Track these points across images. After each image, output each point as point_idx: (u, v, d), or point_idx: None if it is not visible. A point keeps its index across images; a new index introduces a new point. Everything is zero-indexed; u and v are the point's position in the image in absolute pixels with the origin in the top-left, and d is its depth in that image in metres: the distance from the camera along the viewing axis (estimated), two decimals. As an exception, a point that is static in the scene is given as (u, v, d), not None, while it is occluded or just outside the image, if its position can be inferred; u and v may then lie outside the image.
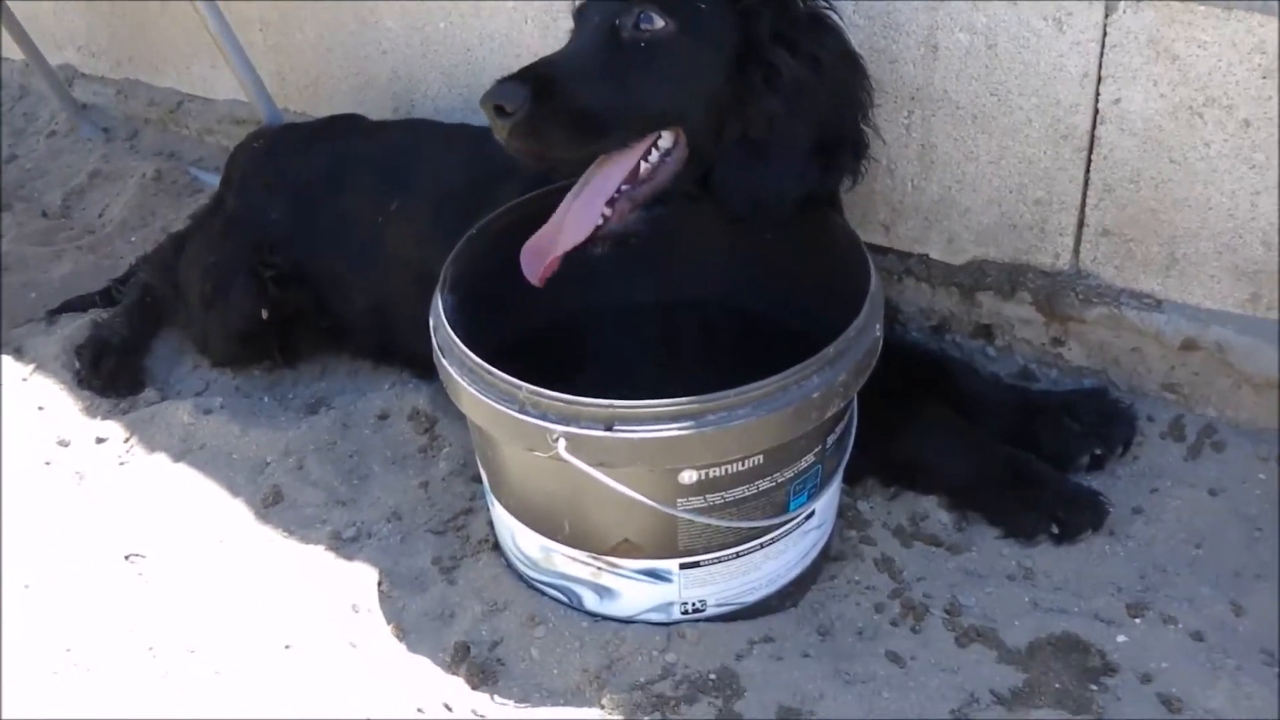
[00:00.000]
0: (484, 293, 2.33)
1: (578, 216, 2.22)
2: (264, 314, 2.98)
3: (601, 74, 2.18)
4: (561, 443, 1.89)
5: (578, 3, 2.33)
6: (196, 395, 3.08)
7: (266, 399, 3.08)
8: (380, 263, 2.90)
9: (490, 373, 1.98)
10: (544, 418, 1.92)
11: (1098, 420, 2.50)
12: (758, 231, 2.37)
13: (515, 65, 3.14)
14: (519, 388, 1.94)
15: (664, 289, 2.58)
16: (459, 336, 2.09)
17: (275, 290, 2.98)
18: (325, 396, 3.05)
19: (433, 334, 2.15)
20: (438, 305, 2.15)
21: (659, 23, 2.18)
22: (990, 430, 2.49)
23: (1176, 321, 2.51)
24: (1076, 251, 2.58)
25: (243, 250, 3.03)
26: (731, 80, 2.24)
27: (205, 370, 3.19)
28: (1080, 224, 2.55)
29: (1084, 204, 2.53)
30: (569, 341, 2.54)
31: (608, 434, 1.89)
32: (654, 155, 2.27)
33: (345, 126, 3.24)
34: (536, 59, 2.24)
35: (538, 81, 2.12)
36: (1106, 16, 2.34)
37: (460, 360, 2.04)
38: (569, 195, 2.25)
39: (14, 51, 4.60)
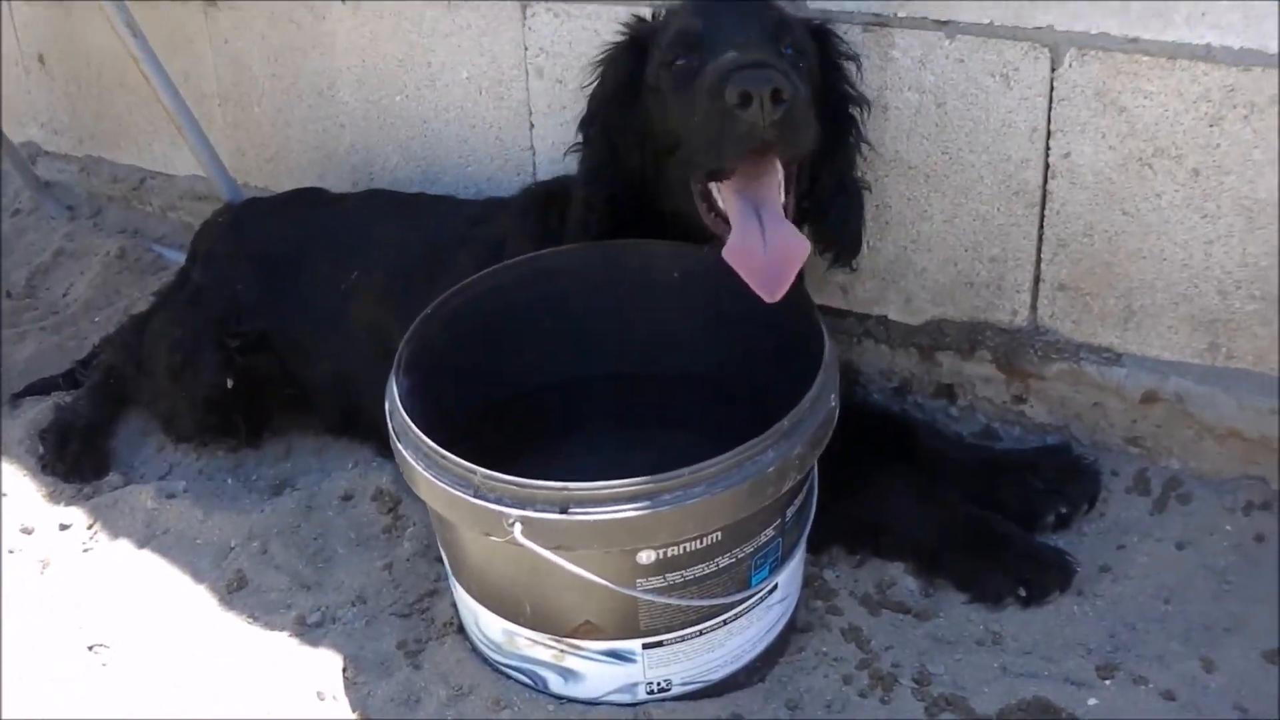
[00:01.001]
0: (446, 367, 2.31)
1: (784, 230, 2.15)
2: (229, 383, 2.98)
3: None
4: (517, 527, 1.86)
5: (691, 26, 2.26)
6: (160, 479, 3.04)
7: (230, 481, 3.04)
8: (342, 331, 2.91)
9: (444, 457, 1.94)
10: (499, 502, 1.88)
11: (1062, 478, 2.48)
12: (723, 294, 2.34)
13: (473, 136, 3.20)
14: (473, 472, 1.90)
15: (623, 358, 2.54)
16: (417, 414, 2.07)
17: (241, 359, 2.99)
18: (289, 477, 3.02)
19: (388, 418, 2.11)
20: (392, 389, 2.12)
21: (800, 52, 2.27)
22: (954, 491, 2.46)
23: (1136, 374, 2.50)
24: (1034, 307, 2.56)
25: (209, 322, 3.04)
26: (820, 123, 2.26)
27: (169, 452, 3.17)
28: (1036, 280, 2.54)
29: (1039, 259, 2.52)
30: (533, 414, 2.51)
31: (563, 517, 1.85)
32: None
33: (307, 199, 3.26)
34: (730, 57, 2.10)
35: (785, 74, 2.04)
36: (1053, 70, 2.34)
37: (415, 445, 2.01)
38: (740, 214, 2.17)
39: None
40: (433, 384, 2.26)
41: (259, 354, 3.01)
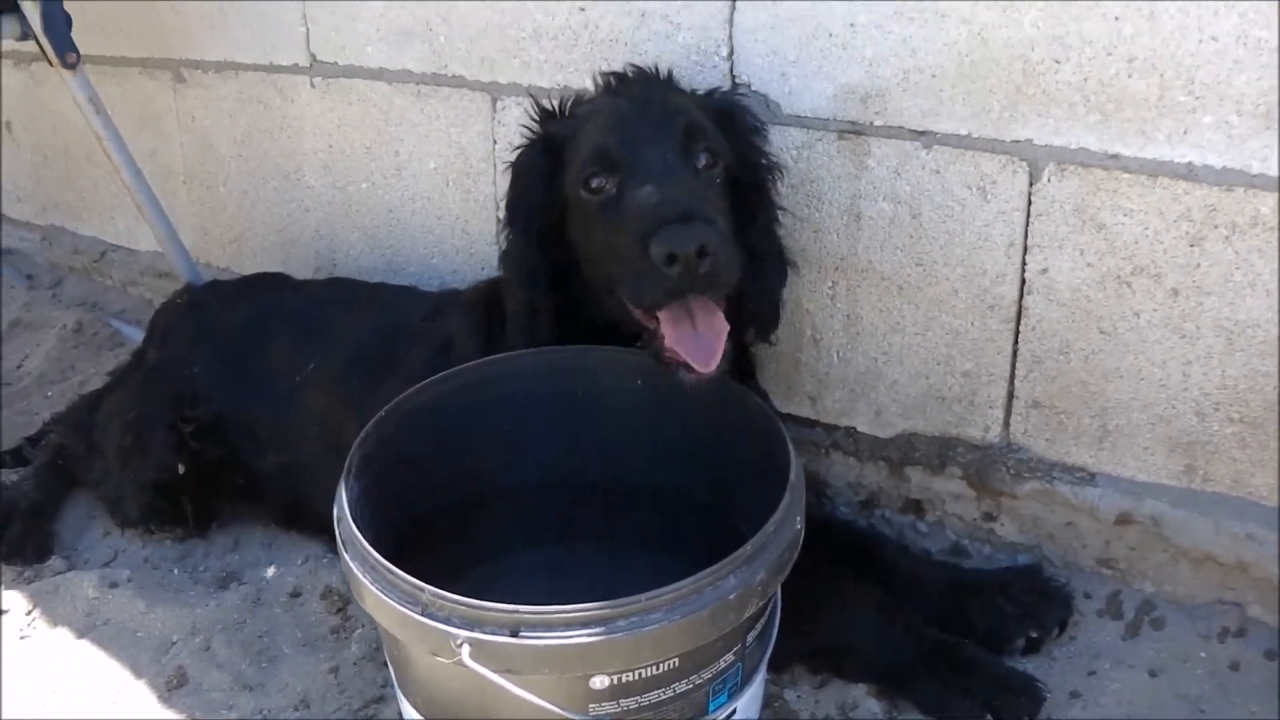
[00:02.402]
0: (398, 472, 2.22)
1: (713, 320, 2.13)
2: (181, 468, 2.90)
3: (714, 209, 2.13)
4: (465, 649, 1.76)
5: (605, 144, 2.21)
6: (104, 565, 2.95)
7: (176, 571, 2.94)
8: (295, 420, 2.85)
9: (392, 572, 1.84)
10: (447, 622, 1.78)
11: (1032, 600, 2.39)
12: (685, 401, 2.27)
13: (438, 227, 3.14)
14: (421, 589, 1.80)
15: (576, 466, 2.45)
16: (366, 520, 1.99)
17: (194, 443, 2.92)
18: (237, 570, 2.92)
19: (335, 525, 2.02)
20: (342, 495, 2.03)
21: (713, 158, 2.23)
22: (921, 611, 2.37)
23: (1111, 495, 2.42)
24: (1007, 424, 2.49)
25: (163, 403, 2.98)
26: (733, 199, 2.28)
27: (115, 537, 3.07)
28: (1010, 396, 2.47)
29: (1013, 375, 2.45)
30: (484, 521, 2.41)
31: (514, 640, 1.75)
32: None
33: (269, 284, 3.22)
34: (650, 195, 2.08)
35: (708, 221, 2.03)
36: (1031, 185, 2.28)
37: (362, 557, 1.91)
38: (675, 318, 2.14)
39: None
40: (383, 488, 2.18)
41: (211, 439, 2.94)
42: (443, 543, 2.26)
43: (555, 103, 2.44)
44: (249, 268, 3.69)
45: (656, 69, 2.40)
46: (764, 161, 2.38)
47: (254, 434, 2.93)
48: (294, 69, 3.35)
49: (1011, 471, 2.49)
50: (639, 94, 2.32)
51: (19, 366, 4.00)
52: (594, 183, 2.20)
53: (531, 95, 2.71)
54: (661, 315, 2.12)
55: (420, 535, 2.22)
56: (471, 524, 2.39)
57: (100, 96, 3.26)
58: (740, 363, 2.40)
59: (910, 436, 2.61)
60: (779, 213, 2.41)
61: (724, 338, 2.10)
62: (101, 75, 3.82)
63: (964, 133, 2.32)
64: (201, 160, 3.73)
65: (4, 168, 4.56)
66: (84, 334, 4.07)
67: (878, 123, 2.41)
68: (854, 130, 2.44)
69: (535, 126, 2.41)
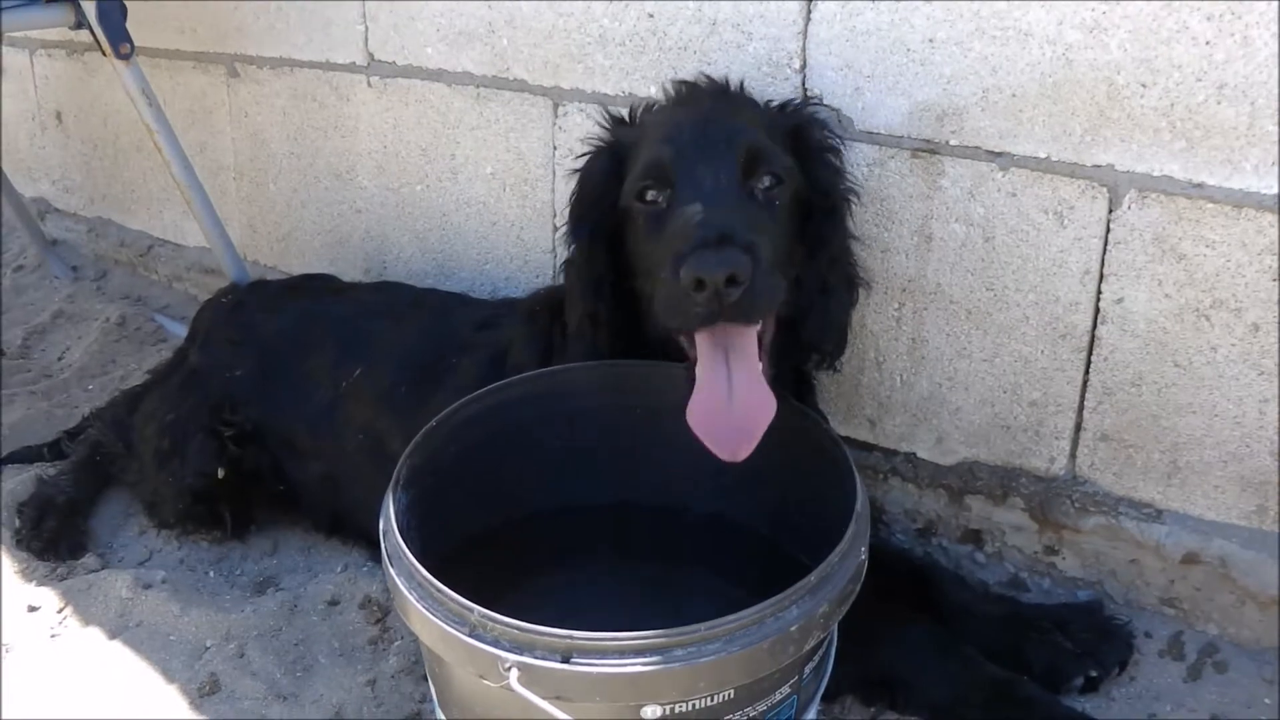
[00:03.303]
0: (446, 485, 2.15)
1: (756, 389, 2.00)
2: (220, 473, 2.84)
3: (763, 234, 2.02)
4: (514, 673, 1.68)
5: (661, 157, 2.11)
6: (139, 565, 2.88)
7: (212, 574, 2.87)
8: (337, 430, 2.77)
9: (440, 590, 1.77)
10: (496, 644, 1.70)
11: (1092, 638, 2.30)
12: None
13: (492, 233, 3.07)
14: (470, 610, 1.73)
15: (631, 489, 2.37)
16: (414, 533, 1.93)
17: (234, 449, 2.85)
18: (274, 575, 2.85)
19: (382, 538, 1.95)
20: (389, 507, 1.96)
21: (776, 181, 2.11)
22: (977, 645, 2.28)
23: (1178, 533, 2.33)
24: (1073, 456, 2.41)
25: (202, 407, 2.90)
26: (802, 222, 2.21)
27: (151, 537, 3.00)
28: (1078, 427, 2.38)
29: (1082, 406, 2.36)
30: (534, 539, 2.34)
31: (565, 666, 1.67)
32: None
33: (315, 286, 3.14)
34: (694, 214, 1.98)
35: (747, 248, 1.90)
36: (1110, 211, 2.20)
37: (409, 573, 1.84)
38: (710, 362, 2.01)
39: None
40: (431, 501, 2.11)
41: (251, 445, 2.87)
42: (489, 560, 2.18)
43: (625, 111, 2.37)
44: (297, 267, 3.64)
45: (727, 81, 2.32)
46: (838, 183, 2.28)
47: (294, 442, 2.86)
48: (351, 68, 3.29)
49: (1076, 505, 2.41)
50: (705, 107, 2.24)
51: (60, 358, 3.97)
52: (648, 195, 2.12)
53: (597, 102, 2.66)
54: (699, 365, 2.02)
55: (467, 551, 2.15)
56: (521, 541, 2.32)
57: (153, 89, 3.21)
58: (799, 382, 2.32)
59: (972, 465, 2.53)
60: (851, 240, 2.32)
61: (762, 425, 1.98)
62: (155, 68, 3.82)
63: (1043, 155, 2.24)
64: (252, 157, 3.67)
65: (54, 158, 4.53)
66: (127, 328, 4.03)
67: (953, 142, 2.33)
68: (928, 149, 2.36)
69: (603, 132, 2.34)
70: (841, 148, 2.34)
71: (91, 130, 4.26)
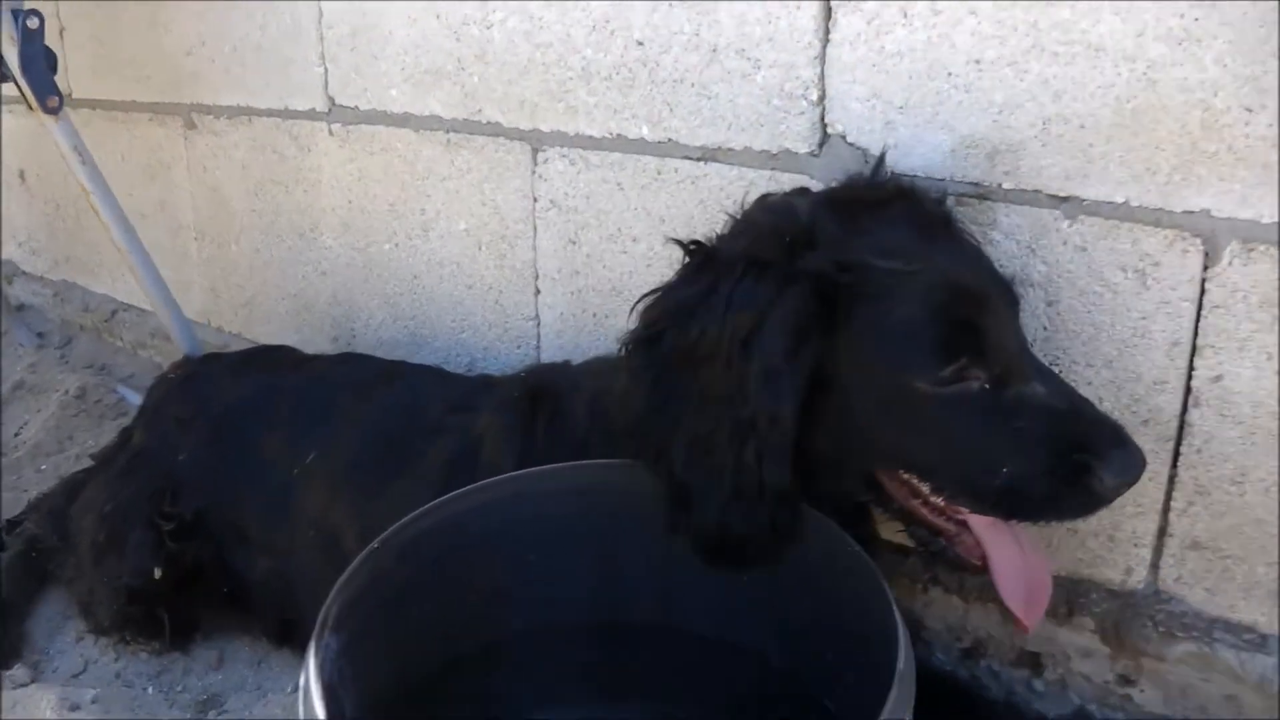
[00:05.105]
0: (395, 614, 1.70)
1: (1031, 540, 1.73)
2: (156, 572, 2.40)
3: None
4: None
5: (977, 321, 1.61)
6: (73, 677, 2.46)
7: (151, 690, 2.41)
8: (289, 523, 2.33)
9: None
10: None
11: (1179, 794, 1.80)
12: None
13: (468, 297, 2.63)
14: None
15: (617, 608, 1.88)
16: (351, 685, 1.53)
17: (172, 544, 2.41)
18: (220, 693, 2.40)
19: (300, 700, 1.46)
20: (309, 662, 1.47)
21: None
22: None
23: (1287, 664, 1.81)
24: (1155, 567, 1.88)
25: (143, 496, 2.48)
26: None
27: (89, 644, 2.55)
28: (1162, 532, 1.86)
29: (1167, 508, 1.84)
30: (505, 671, 1.86)
31: None
32: None
33: (275, 358, 2.71)
34: (1053, 398, 1.61)
35: None
36: (1206, 268, 1.69)
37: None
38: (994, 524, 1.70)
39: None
40: (374, 639, 1.65)
41: (193, 539, 2.42)
42: (454, 702, 1.71)
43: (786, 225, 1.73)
44: (262, 335, 3.20)
45: (913, 185, 1.78)
46: None
47: (243, 534, 2.41)
48: (311, 114, 2.83)
49: (1159, 627, 1.88)
50: (943, 230, 1.71)
51: (16, 434, 3.55)
52: (951, 371, 1.59)
53: (581, 146, 2.19)
54: (986, 529, 1.69)
55: (424, 693, 1.71)
56: (490, 677, 1.83)
57: (86, 144, 2.79)
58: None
59: (1030, 574, 2.00)
60: None
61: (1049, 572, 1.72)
62: (112, 121, 3.47)
63: (1119, 200, 1.73)
64: (213, 215, 3.23)
65: (19, 219, 4.14)
66: (86, 400, 3.63)
67: (1007, 185, 1.82)
68: (977, 194, 1.86)
69: (771, 251, 1.67)
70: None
71: (53, 189, 3.85)
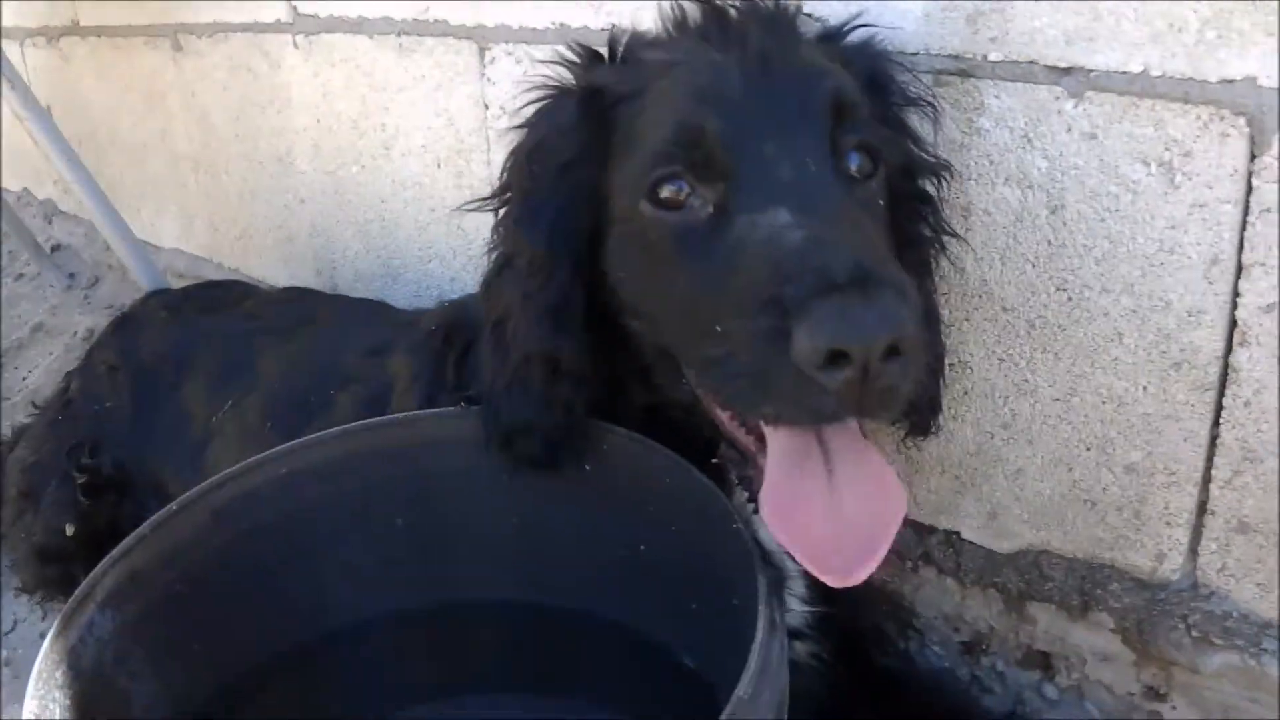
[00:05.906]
0: (206, 595, 1.40)
1: (866, 466, 1.23)
2: (69, 529, 2.25)
3: (888, 257, 1.25)
4: None
5: (700, 127, 1.23)
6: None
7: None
8: (203, 475, 1.98)
9: None
10: None
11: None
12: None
13: (432, 223, 2.30)
14: None
15: (515, 584, 1.53)
16: (147, 679, 1.28)
17: (85, 500, 2.25)
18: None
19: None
20: (45, 643, 1.17)
21: (870, 161, 1.33)
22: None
23: (1361, 682, 1.37)
24: (1193, 553, 1.45)
25: (63, 448, 2.33)
26: None
27: (23, 602, 2.41)
28: (1201, 509, 1.43)
29: (1208, 477, 1.41)
30: (362, 662, 1.51)
31: None
32: None
33: (215, 295, 2.50)
34: (786, 229, 1.14)
35: (900, 290, 1.09)
36: (1253, 159, 1.25)
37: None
38: (792, 446, 1.23)
39: (12, 182, 4.15)
40: (178, 623, 1.36)
41: (110, 495, 2.25)
42: (279, 701, 1.38)
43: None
44: (255, 270, 3.00)
45: (778, 2, 1.39)
46: (927, 156, 1.44)
47: (162, 490, 2.18)
48: (277, 26, 2.54)
49: (1193, 630, 1.46)
50: (753, 43, 1.29)
51: (25, 378, 3.37)
52: (667, 189, 1.25)
53: (526, 41, 1.82)
54: (774, 444, 1.25)
55: (245, 692, 1.41)
56: (321, 674, 1.48)
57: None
58: None
59: (1039, 555, 1.59)
60: (945, 238, 1.45)
61: (893, 526, 1.19)
62: (114, 49, 3.27)
63: (1136, 69, 1.29)
64: (205, 143, 2.97)
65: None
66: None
67: (994, 56, 1.39)
68: (958, 69, 1.43)
69: (567, 72, 1.42)
70: (935, 101, 1.43)
71: (75, 124, 3.60)
